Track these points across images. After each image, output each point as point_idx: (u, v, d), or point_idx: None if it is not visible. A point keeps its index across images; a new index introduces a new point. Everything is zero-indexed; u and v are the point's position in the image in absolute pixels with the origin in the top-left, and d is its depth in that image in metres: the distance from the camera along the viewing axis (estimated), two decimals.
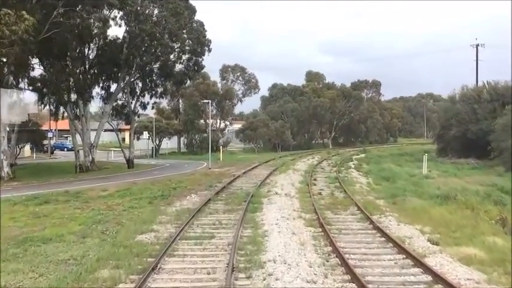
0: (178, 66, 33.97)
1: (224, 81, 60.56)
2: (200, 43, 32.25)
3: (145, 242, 11.69)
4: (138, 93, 34.79)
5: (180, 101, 60.25)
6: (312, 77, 77.86)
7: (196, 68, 34.26)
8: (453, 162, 35.08)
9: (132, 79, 33.87)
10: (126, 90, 34.43)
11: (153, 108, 36.32)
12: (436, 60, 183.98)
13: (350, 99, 75.86)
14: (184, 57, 32.97)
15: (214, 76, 60.89)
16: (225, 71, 60.86)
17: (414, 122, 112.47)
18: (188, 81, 36.14)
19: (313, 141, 76.81)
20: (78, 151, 33.77)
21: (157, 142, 57.79)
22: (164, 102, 59.69)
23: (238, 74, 60.78)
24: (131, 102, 35.12)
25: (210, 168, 32.05)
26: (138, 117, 37.37)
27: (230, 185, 22.95)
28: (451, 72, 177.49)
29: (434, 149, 52.64)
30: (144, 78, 33.98)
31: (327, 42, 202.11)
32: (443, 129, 40.29)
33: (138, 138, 58.86)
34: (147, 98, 35.72)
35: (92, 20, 23.30)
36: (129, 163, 34.96)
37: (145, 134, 52.80)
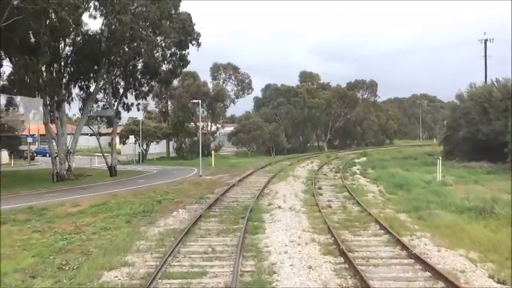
0: (165, 66, 30.93)
1: (215, 82, 57.61)
2: (186, 33, 29.08)
3: (113, 284, 8.68)
4: (120, 94, 31.58)
5: (169, 102, 57.12)
6: (306, 77, 75.14)
7: (182, 63, 31.09)
8: (464, 165, 32.40)
9: (114, 78, 30.71)
10: (107, 91, 31.25)
11: (138, 109, 33.18)
12: (429, 60, 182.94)
13: (346, 100, 73.23)
14: (169, 52, 29.84)
15: (205, 77, 58.03)
16: (216, 70, 57.83)
17: (409, 124, 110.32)
18: (175, 81, 32.81)
19: (308, 144, 74.02)
20: (55, 158, 30.53)
21: (144, 147, 54.61)
22: (152, 104, 56.72)
23: (231, 73, 57.79)
24: (113, 104, 31.96)
25: (201, 176, 29.02)
26: (120, 119, 33.95)
27: (224, 197, 19.96)
28: (446, 71, 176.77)
29: (440, 151, 50.14)
30: (127, 77, 30.87)
31: (317, 44, 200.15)
32: (451, 130, 37.68)
33: (124, 143, 55.74)
34: (131, 99, 32.65)
35: (61, 7, 20.03)
36: (112, 170, 31.79)
37: (131, 138, 49.60)
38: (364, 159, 42.61)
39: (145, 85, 31.62)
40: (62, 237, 12.73)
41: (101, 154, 38.71)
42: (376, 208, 16.85)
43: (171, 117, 54.81)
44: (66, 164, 28.63)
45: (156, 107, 56.85)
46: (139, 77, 31.16)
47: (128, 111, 32.27)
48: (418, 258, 10.21)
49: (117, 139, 62.55)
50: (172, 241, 12.00)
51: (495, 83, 37.02)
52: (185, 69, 55.93)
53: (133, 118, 53.58)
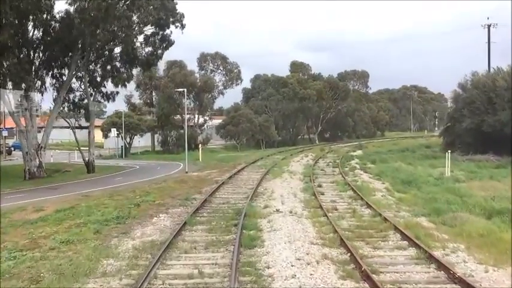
0: (145, 49, 28.07)
1: (203, 72, 54.73)
2: (166, 9, 26.10)
3: None
4: (98, 83, 28.64)
5: (154, 93, 54.19)
6: (297, 68, 72.68)
7: (164, 45, 28.21)
8: (469, 159, 30.40)
9: (89, 64, 27.73)
10: (83, 80, 28.33)
11: (113, 99, 29.94)
12: (418, 50, 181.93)
13: (337, 91, 71.03)
14: (147, 29, 26.92)
15: (192, 68, 55.05)
16: (203, 60, 54.94)
17: (400, 115, 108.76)
18: (161, 71, 29.88)
19: (299, 137, 71.75)
20: (27, 153, 27.63)
21: (128, 140, 51.72)
22: (136, 96, 53.76)
23: (219, 63, 54.94)
24: (90, 94, 29.06)
25: (187, 172, 26.44)
26: (99, 111, 30.94)
27: (213, 197, 17.49)
28: (437, 62, 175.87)
29: (438, 143, 48.32)
30: (104, 63, 28.00)
31: (305, 39, 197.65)
32: (452, 121, 35.60)
33: (106, 136, 52.80)
34: (110, 88, 29.68)
35: None
36: (89, 167, 29.02)
37: (114, 131, 46.68)
38: (360, 152, 40.45)
39: (125, 71, 28.69)
40: (10, 255, 10.15)
41: (85, 148, 35.82)
42: (389, 210, 14.60)
43: (156, 109, 51.88)
44: (37, 160, 25.79)
45: (140, 98, 53.87)
46: (118, 62, 28.27)
47: (107, 101, 29.44)
48: (465, 284, 7.91)
49: (100, 132, 59.59)
50: (148, 259, 9.58)
51: (498, 71, 35.04)
52: (171, 59, 53.43)
53: (117, 111, 50.74)
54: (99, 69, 28.26)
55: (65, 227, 12.84)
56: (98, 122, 64.70)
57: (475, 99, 32.74)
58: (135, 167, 34.72)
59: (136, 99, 54.17)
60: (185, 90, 28.45)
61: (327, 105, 70.26)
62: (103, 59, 27.60)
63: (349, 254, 9.74)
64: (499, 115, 30.84)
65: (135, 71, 31.03)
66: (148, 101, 54.05)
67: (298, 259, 9.42)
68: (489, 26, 41.13)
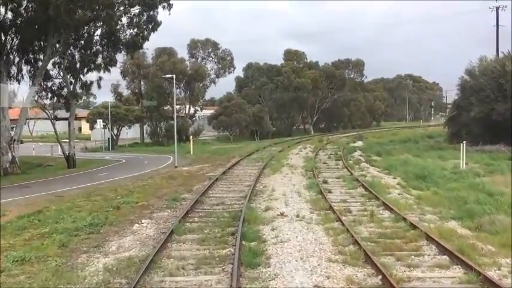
0: (130, 31, 25.47)
1: (193, 59, 52.09)
2: None
3: None
4: (78, 69, 25.98)
5: (142, 82, 51.53)
6: (291, 56, 70.22)
7: (151, 26, 25.63)
8: (479, 149, 28.44)
9: (66, 48, 25.06)
10: (62, 66, 25.73)
11: (99, 86, 27.09)
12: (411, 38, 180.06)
13: (333, 80, 68.83)
14: (133, 10, 24.34)
15: (183, 55, 52.33)
16: (194, 46, 52.27)
17: (395, 105, 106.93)
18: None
19: (294, 127, 69.54)
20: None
21: (115, 132, 49.19)
22: (123, 85, 51.10)
23: (210, 50, 52.34)
24: (70, 82, 26.47)
25: (176, 167, 24.13)
26: (78, 100, 28.11)
27: (205, 197, 15.27)
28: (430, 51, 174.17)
29: (441, 133, 46.46)
30: (83, 48, 25.43)
31: (292, 27, 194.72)
32: (459, 110, 33.53)
33: (92, 128, 50.24)
34: (94, 76, 27.04)
35: None
36: (70, 161, 26.59)
37: (100, 123, 44.11)
38: (360, 143, 38.38)
39: (107, 55, 26.08)
40: None
41: (65, 141, 33.27)
42: (411, 212, 12.53)
43: (144, 99, 49.29)
44: (10, 154, 23.28)
45: (127, 88, 51.19)
46: (99, 46, 25.69)
47: (87, 90, 26.76)
48: None
49: (87, 124, 56.91)
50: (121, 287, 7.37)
51: (508, 55, 32.97)
52: (160, 46, 50.79)
53: (106, 103, 48.15)
54: (77, 54, 25.61)
55: (24, 238, 10.55)
56: (84, 113, 62.08)
57: (483, 86, 30.69)
58: (121, 160, 32.33)
59: (123, 89, 51.60)
60: (173, 76, 26.04)
61: (323, 94, 68.11)
62: (82, 41, 25.02)
63: (380, 277, 7.61)
64: (509, 103, 28.88)
65: (120, 57, 28.38)
66: (137, 90, 51.40)
67: (317, 286, 7.25)
68: (497, 8, 39.06)
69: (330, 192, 15.74)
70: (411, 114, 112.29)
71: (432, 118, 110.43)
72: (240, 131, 55.62)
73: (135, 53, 50.21)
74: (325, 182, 17.84)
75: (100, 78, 26.49)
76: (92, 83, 26.33)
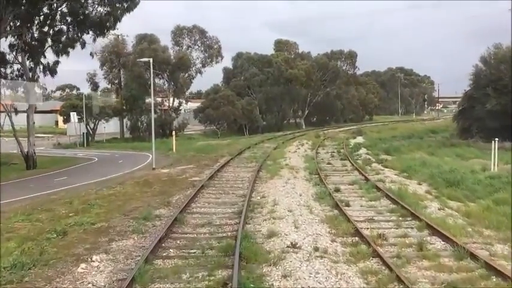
0: (101, 9, 21.47)
1: (178, 48, 48.00)
2: None
3: None
4: (37, 51, 21.82)
5: (122, 72, 47.30)
6: (282, 46, 66.50)
7: (126, 5, 21.54)
8: (500, 147, 25.27)
9: (20, 25, 20.87)
10: (17, 48, 21.61)
11: (52, 74, 22.81)
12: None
13: (326, 72, 65.35)
14: None
15: (167, 43, 48.07)
16: (178, 34, 48.12)
17: (387, 98, 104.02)
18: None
19: (285, 121, 65.90)
20: None
21: (92, 126, 45.04)
22: (100, 75, 46.84)
23: (197, 37, 48.25)
24: (30, 68, 22.39)
25: (154, 169, 20.31)
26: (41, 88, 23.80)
27: (187, 213, 11.62)
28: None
29: (443, 127, 43.59)
30: (43, 25, 21.36)
31: (275, 21, 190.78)
32: (471, 102, 30.36)
33: (65, 121, 46.03)
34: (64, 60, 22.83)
35: None
36: (29, 161, 22.62)
37: (74, 116, 39.93)
38: (361, 139, 34.99)
39: (74, 35, 22.04)
40: None
41: (45, 134, 29.15)
42: (470, 240, 9.09)
43: (123, 90, 45.15)
44: None
45: (105, 78, 46.90)
46: (64, 25, 21.64)
47: (51, 75, 22.66)
48: None
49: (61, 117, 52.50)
50: None
51: None
52: (141, 32, 46.61)
53: (80, 93, 43.87)
54: (36, 33, 21.48)
55: None
56: (60, 105, 57.53)
57: (502, 75, 27.54)
58: (94, 159, 28.41)
59: (100, 79, 47.31)
60: (151, 60, 22.20)
61: (315, 87, 64.60)
62: (40, 18, 20.95)
63: None
64: None
65: (94, 41, 24.21)
66: (116, 81, 47.20)
67: None
68: None
69: (347, 205, 12.23)
70: (402, 108, 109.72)
71: (425, 112, 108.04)
72: (228, 125, 51.87)
73: (114, 40, 46.34)
74: (337, 190, 14.31)
75: (57, 63, 22.40)
76: (53, 65, 22.14)
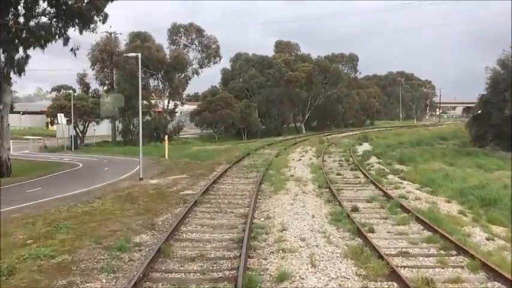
0: None
1: (174, 47, 45.66)
2: None
3: None
4: (12, 45, 19.42)
5: (115, 72, 44.99)
6: (282, 47, 64.40)
7: None
8: None
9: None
10: None
11: (20, 71, 20.21)
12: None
13: (327, 74, 63.21)
14: None
15: (163, 43, 45.71)
16: (175, 32, 45.79)
17: (388, 103, 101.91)
18: (100, 19, 20.77)
19: (284, 126, 63.63)
20: None
21: (81, 128, 42.68)
22: (90, 75, 44.53)
23: (194, 36, 45.97)
24: (3, 62, 20.02)
25: (141, 179, 17.99)
26: (10, 85, 21.15)
27: (174, 242, 9.31)
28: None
29: (453, 133, 41.47)
30: (18, 16, 19.04)
31: (271, 24, 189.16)
32: (488, 107, 28.21)
33: (52, 123, 43.69)
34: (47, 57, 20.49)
35: None
36: (1, 167, 20.25)
37: (61, 118, 37.58)
38: (368, 145, 32.78)
39: (56, 29, 19.68)
40: None
41: (34, 137, 26.83)
42: None
43: (115, 91, 42.80)
44: None
45: (96, 78, 44.51)
46: (43, 16, 19.29)
47: (19, 73, 20.22)
48: None
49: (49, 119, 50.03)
50: None
51: None
52: (135, 30, 44.40)
53: (69, 92, 41.46)
54: (11, 23, 19.03)
55: None
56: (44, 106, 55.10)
57: None
58: (78, 165, 26.06)
59: (91, 79, 44.93)
60: (139, 55, 19.90)
61: (316, 90, 62.44)
62: (12, 8, 18.58)
63: None
64: None
65: (77, 35, 21.82)
66: (107, 81, 44.83)
67: None
68: None
69: (371, 230, 10.00)
70: (403, 113, 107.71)
71: (427, 117, 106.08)
72: (225, 129, 49.55)
73: (106, 38, 44.07)
74: (355, 209, 12.07)
75: (26, 57, 19.91)
76: (22, 60, 19.67)
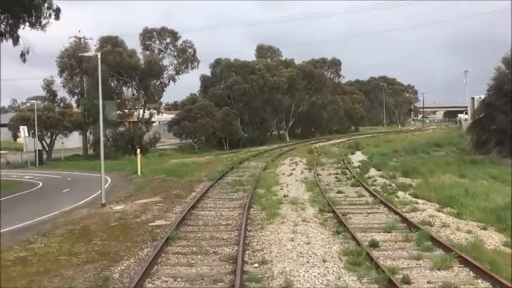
0: None
1: (148, 52, 42.57)
2: None
3: None
4: None
5: (85, 79, 41.65)
6: (264, 52, 62.03)
7: None
8: None
9: None
10: None
11: None
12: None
13: (311, 80, 61.08)
14: None
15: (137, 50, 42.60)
16: (148, 37, 42.75)
17: (372, 108, 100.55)
18: (53, 14, 17.68)
19: (268, 133, 61.00)
20: None
21: (48, 141, 39.15)
22: (58, 82, 41.12)
23: (168, 41, 43.01)
24: None
25: (103, 205, 14.90)
26: None
27: None
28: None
29: (446, 140, 39.63)
30: None
31: (251, 30, 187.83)
32: (490, 110, 26.06)
33: (16, 138, 40.07)
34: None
35: None
36: None
37: (23, 130, 34.07)
38: (360, 154, 30.33)
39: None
40: None
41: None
42: None
43: (85, 100, 39.44)
44: None
45: (64, 86, 41.02)
46: None
47: None
48: None
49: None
50: None
51: None
52: (105, 35, 41.23)
53: (35, 104, 38.01)
54: None
55: None
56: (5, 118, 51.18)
57: None
58: (38, 185, 22.78)
59: (59, 87, 41.45)
60: (98, 55, 17.01)
61: (300, 96, 60.18)
62: None
63: None
64: None
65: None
66: (76, 90, 41.43)
67: None
68: None
69: (407, 281, 7.31)
70: (387, 118, 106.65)
71: (411, 122, 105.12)
72: (206, 139, 46.58)
73: (75, 43, 40.76)
74: (373, 244, 9.38)
75: None
76: None
